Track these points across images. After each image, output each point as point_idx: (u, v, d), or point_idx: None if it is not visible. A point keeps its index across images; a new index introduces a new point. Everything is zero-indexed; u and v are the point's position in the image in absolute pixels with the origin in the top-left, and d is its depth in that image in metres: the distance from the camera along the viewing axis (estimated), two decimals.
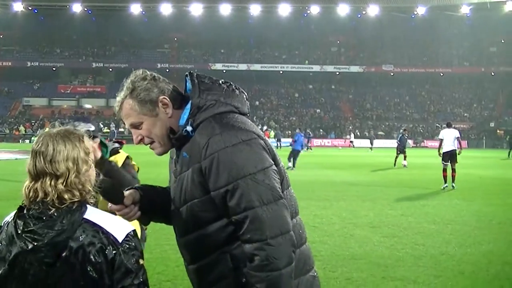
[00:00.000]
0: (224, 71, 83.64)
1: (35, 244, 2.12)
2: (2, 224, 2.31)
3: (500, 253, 9.07)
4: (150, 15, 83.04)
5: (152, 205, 2.63)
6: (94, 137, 4.41)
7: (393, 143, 42.92)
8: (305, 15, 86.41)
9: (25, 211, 2.21)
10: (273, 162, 2.56)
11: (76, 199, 2.20)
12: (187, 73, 2.74)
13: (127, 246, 2.19)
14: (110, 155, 4.76)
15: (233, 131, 2.51)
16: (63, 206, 2.18)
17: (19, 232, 2.16)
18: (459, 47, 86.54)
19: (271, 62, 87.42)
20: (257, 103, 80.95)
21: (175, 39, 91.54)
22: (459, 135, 19.60)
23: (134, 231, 2.26)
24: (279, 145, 53.48)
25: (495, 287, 7.18)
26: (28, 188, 2.22)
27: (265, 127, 69.85)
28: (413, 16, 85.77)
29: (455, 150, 19.22)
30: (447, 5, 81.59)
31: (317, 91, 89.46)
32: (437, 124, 78.47)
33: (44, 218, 2.16)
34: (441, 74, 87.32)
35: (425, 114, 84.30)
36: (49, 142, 2.23)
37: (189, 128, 2.58)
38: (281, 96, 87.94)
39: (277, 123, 75.66)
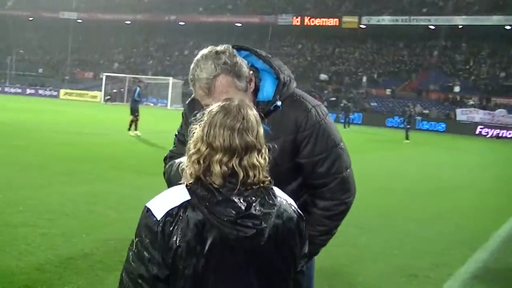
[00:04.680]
0: None
1: (258, 228, 1.97)
2: (167, 213, 1.99)
3: None
4: None
5: None
6: None
7: None
8: None
9: (221, 193, 1.98)
10: None
11: (269, 177, 2.08)
12: (247, 47, 2.86)
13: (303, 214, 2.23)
14: None
15: (320, 105, 2.87)
16: (264, 184, 2.05)
17: (227, 219, 1.95)
18: None
19: None
20: None
21: None
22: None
23: None
24: None
25: None
26: (234, 166, 1.99)
27: None
28: None
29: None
30: None
31: None
32: None
33: (253, 199, 2.00)
34: None
35: None
36: (249, 115, 2.06)
37: (279, 103, 2.73)
38: None
39: None
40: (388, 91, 60.01)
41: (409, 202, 11.97)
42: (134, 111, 23.11)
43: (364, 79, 62.86)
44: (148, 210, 2.03)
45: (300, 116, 2.75)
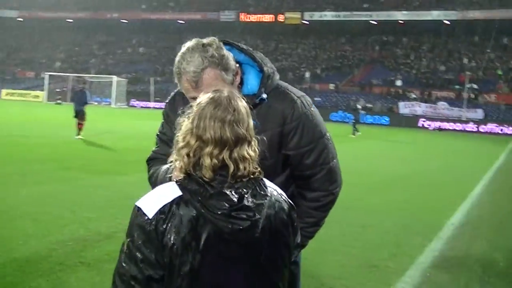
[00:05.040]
0: None
1: (252, 219, 1.95)
2: (159, 211, 1.94)
3: None
4: None
5: None
6: None
7: None
8: None
9: (212, 187, 1.95)
10: None
11: (259, 168, 2.05)
12: (228, 41, 2.81)
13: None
14: None
15: (305, 96, 2.86)
16: (254, 176, 2.02)
17: (221, 213, 1.92)
18: None
19: None
20: None
21: None
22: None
23: None
24: None
25: None
26: (225, 158, 1.95)
27: None
28: None
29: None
30: None
31: None
32: None
33: (244, 191, 1.98)
34: None
35: None
36: (240, 107, 2.02)
37: (264, 96, 2.71)
38: None
39: None
40: (331, 86, 60.91)
41: (363, 195, 12.13)
42: (83, 115, 21.96)
43: (307, 74, 63.52)
44: (139, 209, 1.96)
45: (286, 108, 2.73)
